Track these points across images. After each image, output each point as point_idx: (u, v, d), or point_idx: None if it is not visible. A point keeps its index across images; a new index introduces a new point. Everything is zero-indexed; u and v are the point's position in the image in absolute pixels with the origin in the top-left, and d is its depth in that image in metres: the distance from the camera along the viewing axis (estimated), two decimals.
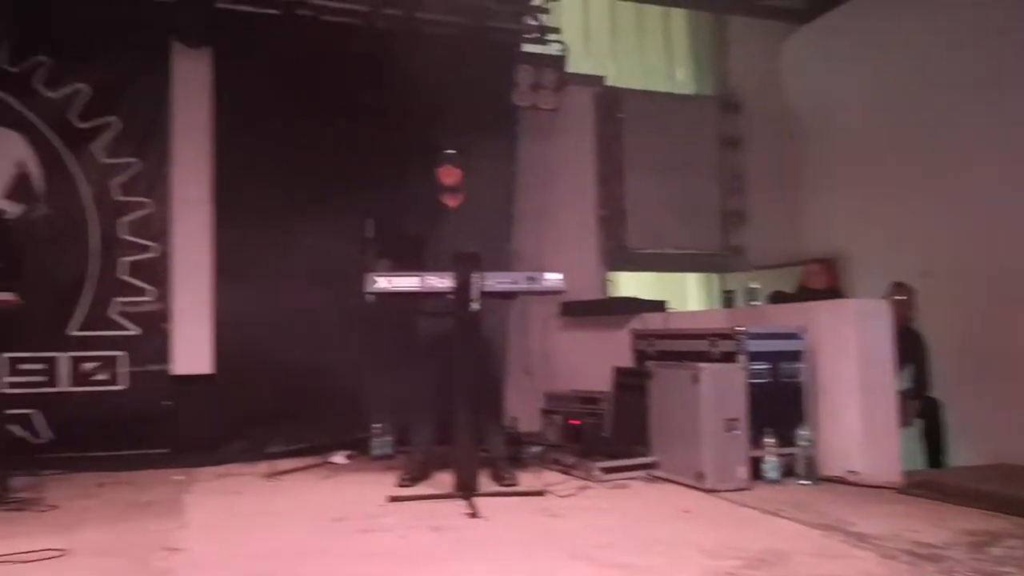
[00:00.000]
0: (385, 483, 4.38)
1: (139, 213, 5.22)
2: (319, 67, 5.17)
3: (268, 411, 5.22)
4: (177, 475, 4.77)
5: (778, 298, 5.41)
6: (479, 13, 5.57)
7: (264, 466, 4.84)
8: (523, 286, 4.03)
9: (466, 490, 3.93)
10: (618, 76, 6.89)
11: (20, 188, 4.98)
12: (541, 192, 6.03)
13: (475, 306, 3.89)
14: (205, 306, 5.25)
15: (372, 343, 4.91)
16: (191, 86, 5.23)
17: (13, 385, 4.69)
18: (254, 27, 5.21)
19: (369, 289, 3.97)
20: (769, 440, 4.28)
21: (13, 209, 4.91)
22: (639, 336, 5.26)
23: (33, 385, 4.90)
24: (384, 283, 3.97)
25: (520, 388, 5.47)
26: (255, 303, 4.95)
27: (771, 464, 4.28)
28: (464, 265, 3.89)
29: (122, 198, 5.19)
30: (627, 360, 5.25)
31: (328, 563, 3.06)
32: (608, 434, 5.05)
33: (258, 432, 5.21)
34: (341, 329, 4.81)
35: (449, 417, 4.07)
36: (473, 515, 3.69)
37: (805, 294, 5.53)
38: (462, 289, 3.90)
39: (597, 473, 4.41)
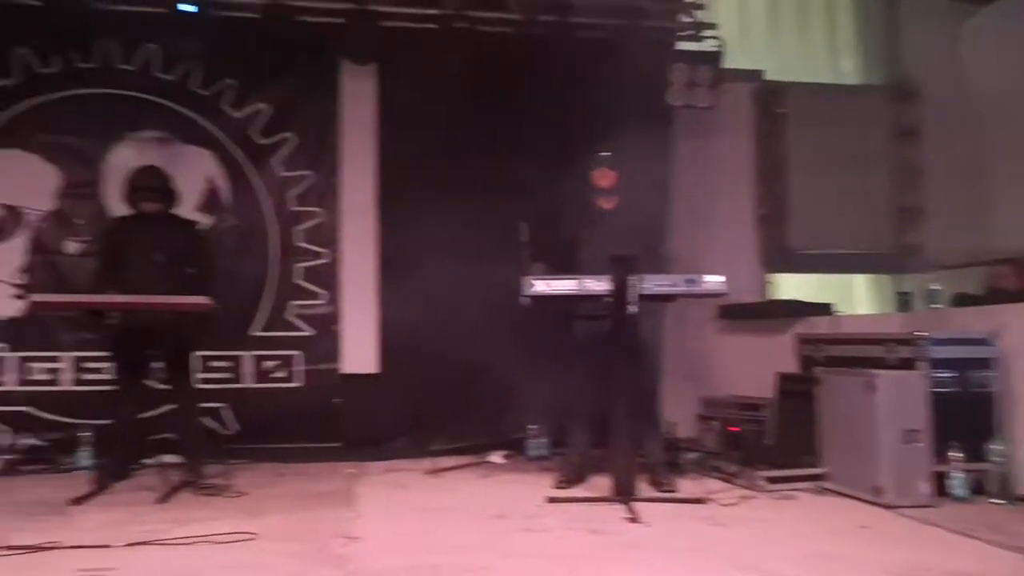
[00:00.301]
0: (542, 484, 4.43)
1: (312, 222, 5.54)
2: (477, 76, 5.29)
3: (430, 410, 5.40)
4: (348, 468, 5.03)
5: (963, 301, 4.97)
6: (633, 13, 5.51)
7: (427, 463, 5.02)
8: (682, 288, 3.94)
9: (624, 494, 3.90)
10: (778, 69, 6.57)
11: (210, 201, 5.42)
12: (697, 192, 5.87)
13: (632, 309, 3.85)
14: (371, 309, 5.50)
15: (529, 345, 4.95)
16: (358, 101, 5.51)
17: (204, 381, 5.08)
18: (415, 42, 5.41)
19: (526, 292, 4.01)
20: (956, 454, 3.94)
21: (204, 220, 5.34)
22: (806, 341, 5.00)
23: (221, 381, 5.30)
24: (542, 286, 3.99)
25: (676, 392, 5.35)
26: (417, 306, 5.10)
27: (958, 480, 3.94)
28: (621, 268, 3.85)
29: (297, 208, 5.54)
30: (791, 365, 5.01)
31: (491, 559, 3.12)
32: (771, 442, 4.84)
33: (421, 430, 5.39)
34: (499, 331, 4.87)
35: (605, 420, 4.05)
36: (633, 520, 3.65)
37: (994, 297, 5.05)
38: (619, 292, 3.87)
39: (761, 482, 4.23)
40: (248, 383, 5.39)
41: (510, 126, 5.12)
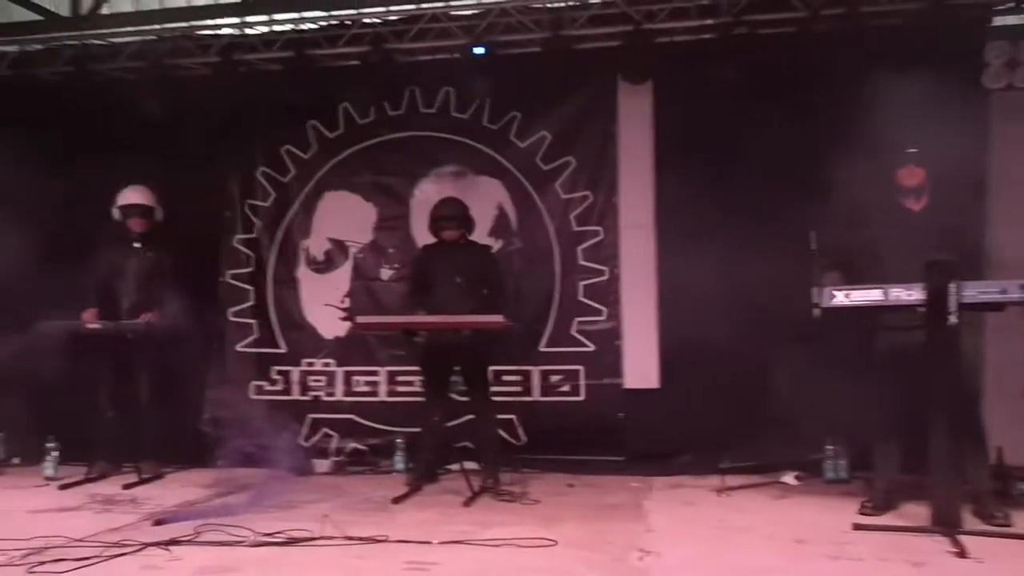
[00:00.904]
0: (843, 509, 4.14)
1: (592, 241, 5.67)
2: (757, 81, 5.10)
3: (715, 426, 5.23)
4: (634, 482, 5.05)
5: None
6: None
7: (713, 480, 4.89)
8: (1017, 295, 3.48)
9: (947, 525, 3.52)
10: None
11: (499, 226, 5.78)
12: (1022, 186, 5.12)
13: (953, 319, 3.47)
14: (651, 324, 5.50)
15: (822, 359, 4.61)
16: (634, 120, 5.56)
17: (496, 393, 5.36)
18: (692, 54, 5.37)
19: (824, 303, 3.79)
20: None
21: (495, 244, 5.71)
22: None
23: (512, 394, 5.57)
24: (841, 297, 3.75)
25: (1004, 413, 4.68)
26: (698, 321, 4.98)
27: None
28: (938, 274, 3.50)
29: (578, 228, 5.69)
30: None
31: None
32: None
33: (706, 446, 5.26)
34: (787, 345, 4.63)
35: (917, 442, 3.69)
36: (960, 554, 3.27)
37: None
38: (936, 301, 3.50)
39: None
40: (535, 396, 5.61)
41: (795, 129, 4.85)
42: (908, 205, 4.10)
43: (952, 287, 3.46)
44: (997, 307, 3.69)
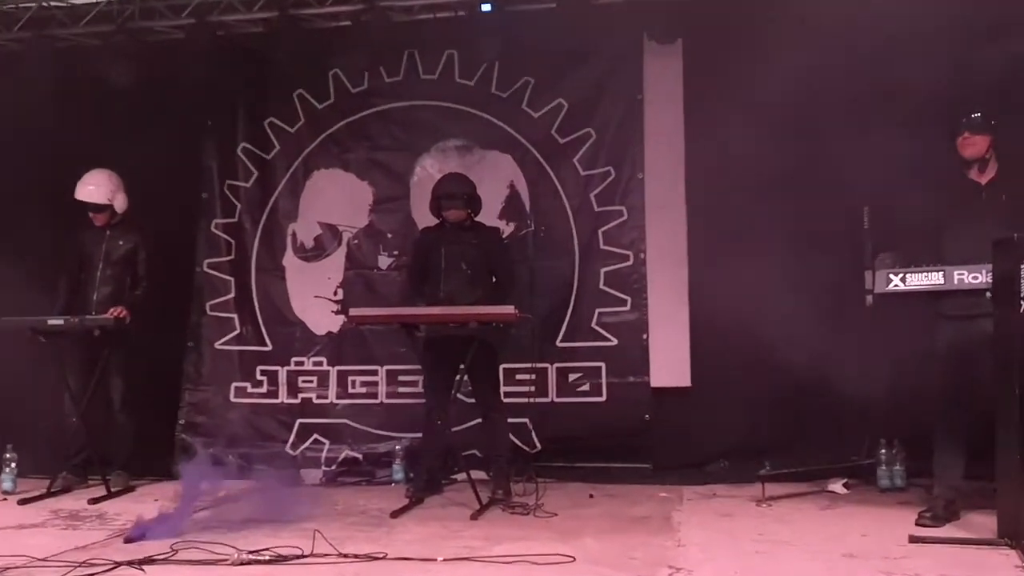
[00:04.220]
0: (898, 519, 4.14)
1: (615, 222, 5.69)
2: (798, 40, 4.93)
3: (752, 429, 5.31)
4: (662, 492, 5.06)
5: None
6: None
7: (752, 489, 4.90)
8: None
9: (1015, 537, 3.51)
10: None
11: (510, 206, 5.79)
12: None
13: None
14: (682, 315, 5.51)
15: (873, 352, 4.69)
16: (662, 85, 5.58)
17: (507, 394, 5.38)
18: (727, 9, 5.31)
19: (877, 289, 3.81)
20: None
21: (505, 227, 5.71)
22: None
23: (525, 395, 5.54)
24: (897, 282, 3.76)
25: None
26: (735, 310, 4.97)
27: None
28: (1006, 254, 3.47)
29: (599, 208, 5.72)
30: None
31: None
32: None
33: (742, 451, 5.30)
34: (835, 336, 4.66)
35: (982, 445, 3.71)
36: None
37: None
38: (1004, 284, 3.49)
39: None
40: (551, 397, 5.65)
41: (843, 93, 4.83)
42: (973, 177, 4.08)
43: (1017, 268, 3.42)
44: None
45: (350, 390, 5.90)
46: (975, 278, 3.60)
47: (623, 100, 5.67)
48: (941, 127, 4.20)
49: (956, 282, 3.65)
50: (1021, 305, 3.43)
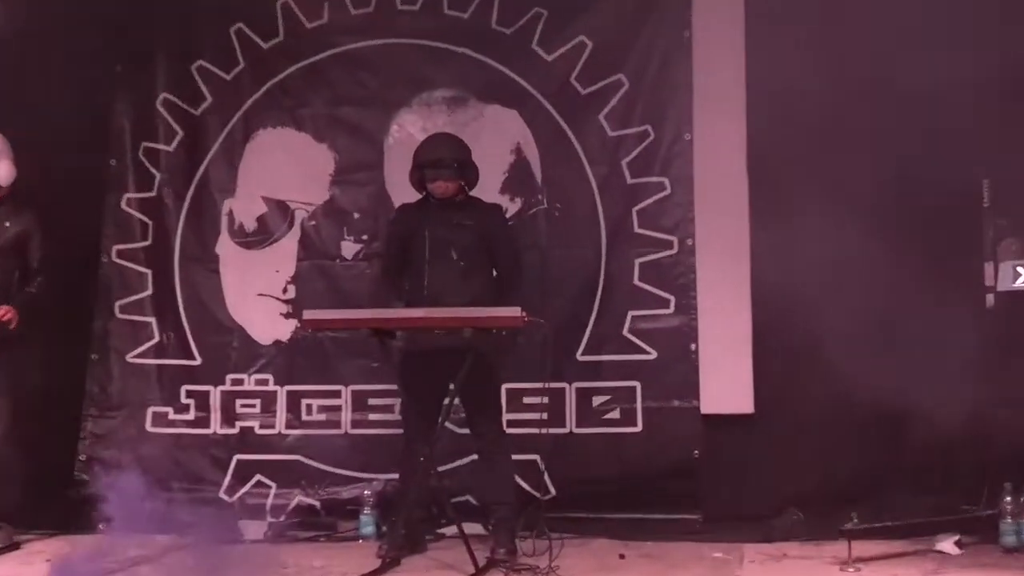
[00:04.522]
0: None
1: (653, 198, 5.71)
2: None
3: (834, 469, 5.30)
4: (716, 551, 5.06)
5: None
6: None
7: (834, 547, 4.88)
8: None
9: None
10: None
11: (516, 178, 5.81)
12: None
13: None
14: (742, 321, 5.52)
15: (995, 369, 4.70)
16: (716, 20, 5.57)
17: (512, 423, 5.38)
18: None
19: (1002, 286, 3.90)
20: None
21: (512, 205, 5.73)
22: None
23: (536, 424, 5.40)
24: None
25: None
26: (811, 316, 5.00)
27: None
28: None
29: (633, 180, 5.74)
30: None
31: None
32: None
33: (821, 498, 5.28)
34: (948, 350, 4.68)
35: None
36: None
37: None
38: None
39: None
40: (570, 427, 5.68)
41: (951, 38, 4.82)
42: None
43: None
44: None
45: (304, 417, 5.89)
46: None
47: (665, 38, 5.67)
48: None
49: None
50: None
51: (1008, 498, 4.83)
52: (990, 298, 3.89)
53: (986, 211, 4.03)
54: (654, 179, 5.70)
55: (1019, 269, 3.80)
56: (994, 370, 4.80)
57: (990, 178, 4.33)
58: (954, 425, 4.80)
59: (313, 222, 6.01)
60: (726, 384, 5.51)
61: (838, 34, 5.06)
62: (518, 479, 5.28)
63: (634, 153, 5.72)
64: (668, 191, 5.68)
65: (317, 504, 5.75)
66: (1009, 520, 4.82)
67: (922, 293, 4.88)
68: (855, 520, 4.80)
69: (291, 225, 6.02)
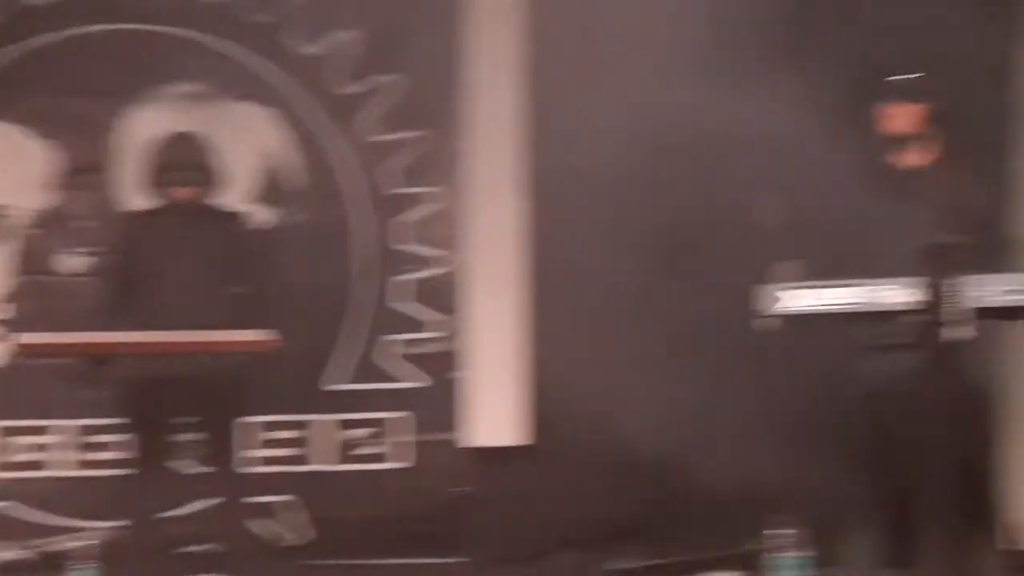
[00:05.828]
0: None
1: (421, 210, 5.75)
2: None
3: (608, 504, 5.30)
4: None
5: None
6: None
7: None
8: None
9: None
10: None
11: (268, 186, 5.70)
12: None
13: (958, 333, 3.52)
14: (512, 345, 5.54)
15: (772, 398, 4.86)
16: (496, 14, 5.56)
17: (266, 462, 5.40)
18: None
19: (768, 310, 3.85)
20: None
21: (263, 215, 5.61)
22: None
23: (287, 461, 5.54)
24: (799, 299, 3.80)
25: None
26: (586, 340, 5.10)
27: None
28: (939, 264, 3.52)
29: (398, 190, 5.76)
30: None
31: None
32: None
33: (595, 536, 5.31)
34: (721, 376, 4.86)
35: (903, 526, 3.90)
36: None
37: None
38: (934, 305, 3.52)
39: None
40: (324, 464, 5.64)
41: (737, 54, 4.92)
42: (900, 159, 4.17)
43: (954, 283, 3.48)
44: None
45: (14, 457, 5.59)
46: (903, 295, 3.64)
47: (439, 33, 5.63)
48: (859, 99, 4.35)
49: (880, 301, 3.72)
50: (947, 332, 3.50)
51: (778, 533, 4.94)
52: (763, 322, 3.90)
53: (765, 232, 4.08)
54: (417, 189, 5.75)
55: (790, 292, 3.82)
56: (772, 397, 4.94)
57: (760, 204, 4.41)
58: (727, 458, 4.87)
59: (31, 231, 5.71)
60: (496, 414, 5.55)
61: (617, 52, 5.12)
62: (269, 522, 5.40)
63: (396, 161, 5.76)
64: (433, 202, 5.73)
65: (33, 556, 5.46)
66: (782, 556, 4.92)
67: (703, 316, 4.96)
68: (622, 559, 4.98)
69: (6, 233, 5.71)
